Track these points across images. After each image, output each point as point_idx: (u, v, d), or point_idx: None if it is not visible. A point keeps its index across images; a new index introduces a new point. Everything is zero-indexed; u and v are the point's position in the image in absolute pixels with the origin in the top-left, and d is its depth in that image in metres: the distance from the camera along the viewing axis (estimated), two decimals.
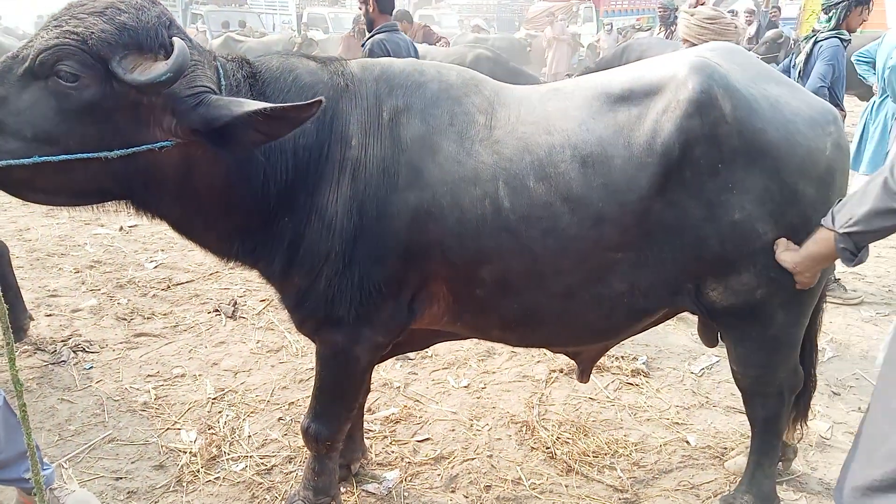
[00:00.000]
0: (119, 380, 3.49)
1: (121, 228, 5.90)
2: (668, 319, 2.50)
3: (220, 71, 1.85)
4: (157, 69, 1.60)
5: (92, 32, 1.60)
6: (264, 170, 1.94)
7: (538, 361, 3.78)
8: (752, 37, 11.60)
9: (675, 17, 12.22)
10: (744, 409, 2.56)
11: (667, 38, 11.51)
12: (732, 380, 3.31)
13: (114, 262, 5.10)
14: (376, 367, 2.60)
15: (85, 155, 1.64)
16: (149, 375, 3.54)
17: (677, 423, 3.24)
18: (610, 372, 3.66)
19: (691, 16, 4.24)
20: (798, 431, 2.75)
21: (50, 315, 4.16)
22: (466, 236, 2.04)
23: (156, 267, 5.06)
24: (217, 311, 4.30)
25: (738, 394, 2.70)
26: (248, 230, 2.04)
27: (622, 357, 3.77)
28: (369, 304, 2.11)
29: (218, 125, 1.68)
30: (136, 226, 5.99)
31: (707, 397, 3.46)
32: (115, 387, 3.42)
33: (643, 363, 3.73)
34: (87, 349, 3.75)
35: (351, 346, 2.22)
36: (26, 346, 3.74)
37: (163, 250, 5.43)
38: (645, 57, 9.11)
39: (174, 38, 1.70)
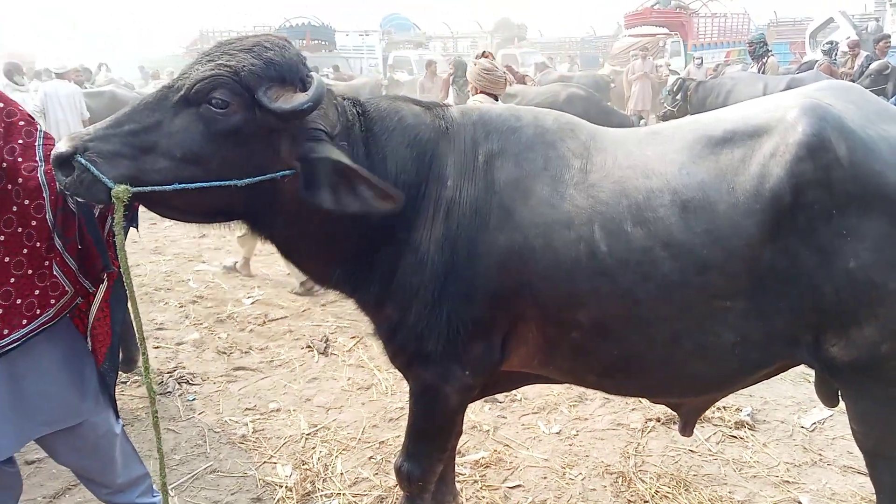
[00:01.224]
0: (219, 412, 3.63)
1: (222, 266, 6.22)
2: (782, 372, 2.35)
3: (339, 108, 1.99)
4: (299, 99, 1.78)
5: (243, 66, 1.78)
6: None
7: (633, 409, 3.64)
8: (856, 70, 11.01)
9: (766, 51, 11.90)
10: (865, 469, 2.35)
11: (759, 72, 11.17)
12: (848, 436, 3.08)
13: (214, 297, 5.37)
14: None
15: (217, 183, 1.80)
16: (247, 409, 3.67)
17: (787, 481, 3.01)
18: (711, 423, 3.47)
19: (475, 65, 4.52)
20: None
21: (157, 347, 4.41)
22: (559, 279, 2.02)
23: (253, 303, 5.28)
24: (310, 347, 4.42)
25: (857, 452, 2.49)
26: (348, 259, 2.12)
27: (724, 407, 3.57)
28: (458, 342, 2.12)
29: (312, 157, 1.84)
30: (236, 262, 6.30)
31: (820, 454, 3.21)
32: (216, 419, 3.56)
33: (748, 415, 3.51)
34: (190, 381, 3.94)
35: (440, 383, 2.23)
36: (136, 377, 3.97)
37: (259, 287, 5.68)
38: (736, 91, 8.80)
39: (311, 74, 1.88)
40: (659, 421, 3.49)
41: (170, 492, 2.89)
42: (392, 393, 3.85)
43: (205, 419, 3.56)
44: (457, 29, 34.54)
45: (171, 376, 3.95)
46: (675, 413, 2.99)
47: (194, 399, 3.77)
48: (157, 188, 1.76)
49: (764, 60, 11.70)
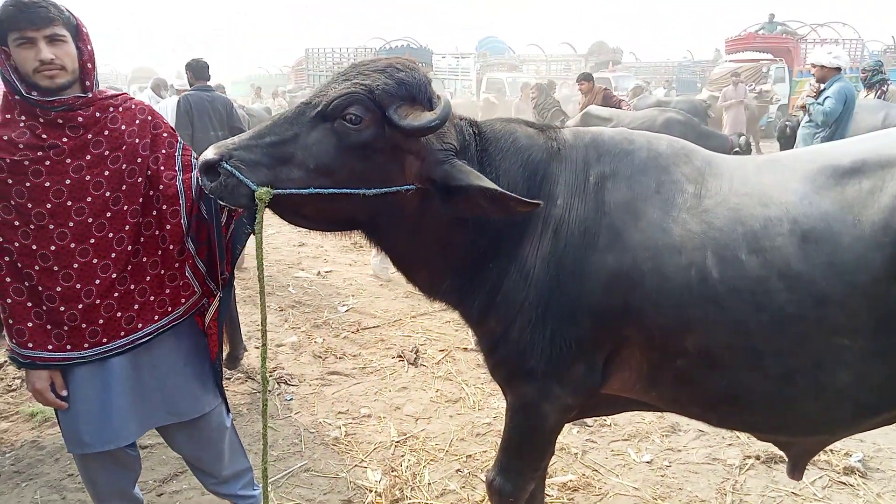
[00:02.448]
0: (314, 413, 3.78)
1: (318, 273, 6.49)
2: None
3: (457, 128, 2.08)
4: (427, 117, 1.87)
5: (377, 85, 1.90)
6: (482, 219, 2.07)
7: (730, 445, 3.49)
8: None
9: (883, 79, 11.17)
10: None
11: (877, 97, 10.51)
12: None
13: (312, 303, 5.60)
14: None
15: (349, 191, 1.93)
16: (339, 412, 3.80)
17: None
18: (817, 466, 3.28)
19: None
20: None
21: (258, 347, 4.64)
22: (667, 304, 1.98)
23: (347, 311, 5.47)
24: (400, 356, 4.53)
25: None
26: (457, 271, 2.18)
27: (833, 451, 3.36)
28: (560, 360, 2.12)
29: (453, 185, 1.89)
30: (330, 271, 6.56)
31: None
32: (311, 420, 3.71)
33: (858, 460, 3.29)
34: (288, 382, 4.13)
35: (540, 401, 2.23)
36: (239, 374, 4.20)
37: (353, 296, 5.88)
38: (857, 119, 8.22)
39: (438, 94, 1.99)
40: (759, 459, 3.33)
41: (270, 487, 3.04)
42: (479, 408, 3.87)
43: (301, 419, 3.72)
44: (550, 52, 34.51)
45: (270, 375, 4.15)
46: (776, 451, 2.87)
47: (291, 399, 3.94)
48: (294, 191, 1.90)
49: (884, 88, 10.98)
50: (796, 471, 2.44)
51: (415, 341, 4.82)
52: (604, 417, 3.73)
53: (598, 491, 3.11)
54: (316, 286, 6.14)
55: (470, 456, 3.38)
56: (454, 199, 1.93)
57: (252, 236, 2.22)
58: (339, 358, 4.52)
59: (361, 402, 3.94)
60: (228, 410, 2.63)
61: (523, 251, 2.13)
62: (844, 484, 3.16)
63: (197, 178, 2.30)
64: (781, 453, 2.54)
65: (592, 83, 10.70)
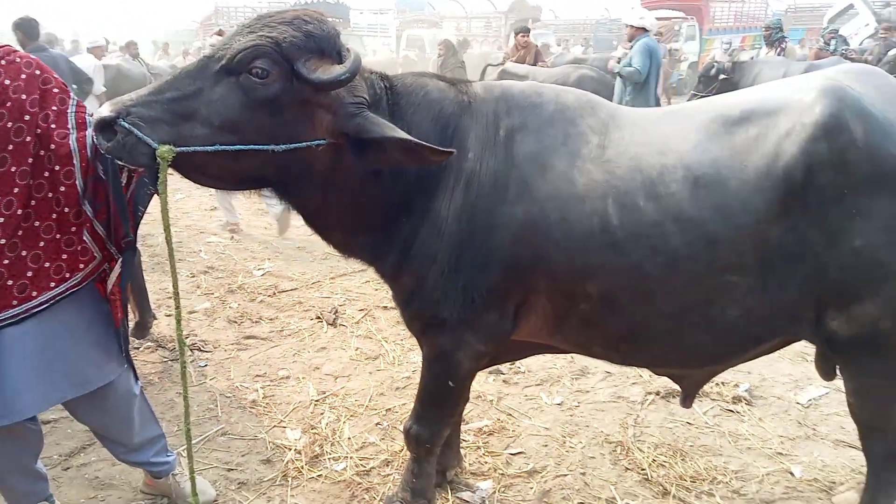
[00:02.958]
0: (230, 378, 3.74)
1: (231, 238, 6.33)
2: (783, 347, 2.42)
3: (367, 82, 2.06)
4: (337, 70, 1.85)
5: (284, 37, 1.85)
6: (393, 173, 2.08)
7: (633, 383, 3.72)
8: (874, 57, 10.93)
9: (782, 37, 11.79)
10: (855, 442, 2.44)
11: (778, 55, 11.06)
12: (842, 412, 3.17)
13: (225, 268, 5.47)
14: None
15: (258, 147, 1.88)
16: (257, 375, 3.78)
17: (781, 453, 3.10)
18: (709, 397, 3.55)
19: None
20: None
21: (169, 315, 4.52)
22: (572, 251, 2.08)
23: (263, 274, 5.39)
24: (319, 318, 4.52)
25: (850, 427, 2.58)
26: (371, 228, 2.20)
27: (723, 383, 3.64)
28: (473, 310, 2.19)
29: (366, 137, 1.89)
30: (244, 236, 6.42)
31: (814, 429, 3.29)
32: (227, 384, 3.67)
33: (745, 390, 3.59)
34: (202, 348, 4.05)
35: (454, 350, 2.30)
36: (149, 343, 4.08)
37: (269, 259, 5.78)
38: (762, 75, 8.77)
39: (348, 47, 1.96)
40: (658, 394, 3.57)
41: (182, 453, 3.00)
42: (399, 363, 3.94)
43: (216, 385, 3.67)
44: (471, 9, 34.18)
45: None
46: (674, 387, 3.08)
47: (206, 365, 3.88)
48: (199, 149, 1.83)
49: (782, 46, 11.59)
50: (688, 400, 2.65)
51: (334, 302, 4.81)
52: (518, 365, 3.89)
53: (511, 433, 3.26)
54: (229, 251, 5.99)
55: (389, 409, 3.45)
56: (368, 152, 1.92)
57: (155, 197, 2.15)
58: (256, 322, 4.47)
59: (279, 364, 3.93)
60: (137, 378, 2.57)
61: (436, 205, 2.16)
62: (732, 412, 3.45)
63: (92, 137, 2.18)
64: (678, 388, 2.74)
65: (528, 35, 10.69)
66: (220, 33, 6.28)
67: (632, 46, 7.43)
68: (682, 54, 19.30)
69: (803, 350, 3.96)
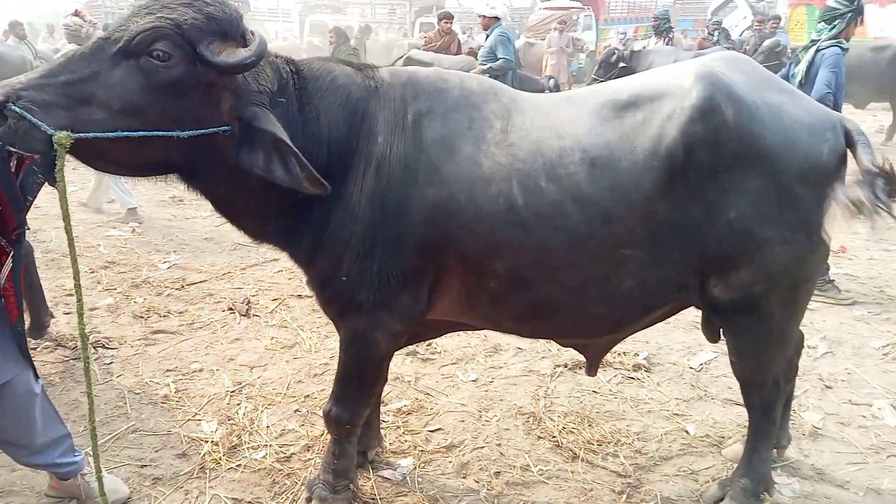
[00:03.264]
0: (139, 374, 3.62)
1: (133, 231, 6.04)
2: (673, 314, 2.63)
3: (273, 66, 2.06)
4: (242, 54, 1.84)
5: (185, 19, 1.81)
6: (304, 158, 2.09)
7: (543, 357, 3.92)
8: (751, 47, 11.86)
9: (669, 27, 12.53)
10: (741, 400, 2.71)
11: (666, 44, 11.73)
12: (729, 374, 3.46)
13: (128, 262, 5.24)
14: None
15: (161, 133, 1.85)
16: (167, 370, 3.68)
17: (677, 414, 3.37)
18: (612, 367, 3.80)
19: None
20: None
21: (68, 313, 4.30)
22: (480, 232, 2.19)
23: (169, 267, 5.20)
24: (231, 309, 4.44)
25: (735, 387, 2.85)
26: (282, 212, 2.21)
27: (624, 353, 3.91)
28: (388, 291, 2.26)
29: (255, 125, 1.91)
30: (146, 228, 6.15)
31: (705, 390, 3.60)
32: (136, 381, 3.55)
33: (644, 359, 3.87)
34: (106, 345, 3.88)
35: (371, 331, 2.36)
36: (47, 343, 3.87)
37: (175, 251, 5.58)
38: (656, 63, 9.35)
39: (252, 30, 1.95)
40: (566, 367, 3.78)
41: (89, 452, 2.89)
42: (316, 350, 3.95)
43: (124, 381, 3.54)
44: None
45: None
46: (580, 359, 3.27)
47: (111, 363, 3.73)
48: (99, 135, 1.77)
49: (670, 36, 12.30)
50: (592, 368, 2.83)
51: (246, 293, 4.73)
52: (434, 345, 3.99)
53: (429, 411, 3.36)
54: (131, 244, 5.73)
55: (308, 396, 3.46)
56: (254, 147, 1.92)
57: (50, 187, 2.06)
58: (164, 316, 4.32)
59: (191, 357, 3.83)
60: (37, 376, 2.46)
61: (348, 189, 2.19)
62: (633, 379, 3.71)
63: None
64: (584, 360, 2.93)
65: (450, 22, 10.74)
66: (77, 14, 5.95)
67: (487, 37, 7.62)
68: (584, 44, 20.03)
69: (694, 320, 4.30)
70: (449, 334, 3.82)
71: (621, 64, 10.00)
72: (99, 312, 4.34)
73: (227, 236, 5.96)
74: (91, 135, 1.80)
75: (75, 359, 3.71)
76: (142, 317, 4.27)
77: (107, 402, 3.32)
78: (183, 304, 4.54)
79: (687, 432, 3.22)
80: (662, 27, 12.40)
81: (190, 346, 3.96)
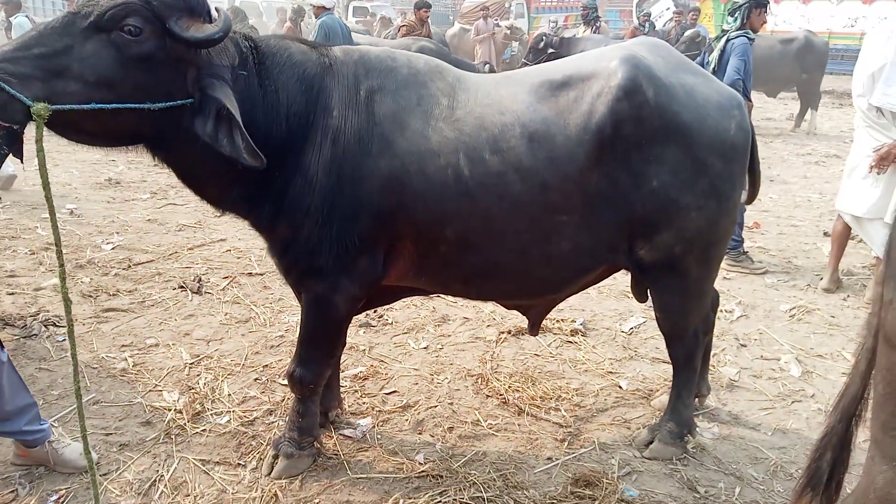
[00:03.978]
0: (94, 350, 3.64)
1: (71, 213, 5.92)
2: (606, 277, 2.92)
3: (233, 42, 2.20)
4: (210, 29, 1.98)
5: None
6: (264, 130, 2.24)
7: (488, 325, 4.18)
8: (673, 37, 12.53)
9: (597, 17, 13.03)
10: (667, 358, 3.04)
11: (594, 33, 12.22)
12: (656, 336, 3.84)
13: (69, 244, 5.15)
14: None
15: (134, 105, 1.95)
16: (123, 345, 3.72)
17: (611, 372, 3.70)
18: (552, 332, 4.10)
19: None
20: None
21: (12, 294, 4.23)
22: (431, 200, 2.39)
23: (113, 248, 5.15)
24: (182, 287, 4.48)
25: (662, 347, 3.18)
26: (244, 182, 2.34)
27: (562, 320, 4.22)
28: (346, 256, 2.44)
29: (208, 92, 2.05)
30: (84, 210, 6.03)
31: (635, 351, 3.95)
32: (91, 356, 3.58)
33: (580, 324, 4.19)
34: (56, 323, 3.87)
35: (331, 294, 2.53)
36: None
37: (118, 233, 5.51)
38: (587, 49, 9.74)
39: (217, 7, 2.09)
40: (510, 333, 4.06)
41: (54, 423, 2.95)
42: (271, 324, 4.07)
43: (80, 358, 3.55)
44: None
45: (35, 319, 3.85)
46: (523, 325, 3.55)
47: (64, 340, 3.73)
48: (76, 107, 1.86)
49: (597, 25, 12.80)
50: (534, 328, 3.10)
51: (195, 272, 4.77)
52: (385, 317, 4.18)
53: (384, 377, 3.56)
54: (70, 226, 5.61)
55: (266, 366, 3.60)
56: (206, 115, 2.06)
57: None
58: (113, 295, 4.32)
59: (146, 333, 3.88)
60: (2, 346, 2.51)
61: (306, 159, 2.35)
62: (571, 342, 4.02)
63: None
64: (526, 327, 3.19)
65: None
66: None
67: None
68: (522, 33, 20.44)
69: (625, 290, 4.66)
70: (399, 305, 4.05)
71: (550, 50, 10.40)
72: (45, 292, 4.29)
73: (171, 218, 5.94)
74: (68, 107, 1.88)
75: (25, 336, 3.70)
76: (90, 296, 4.26)
77: (64, 378, 3.35)
78: (131, 283, 4.54)
79: (620, 387, 3.55)
80: (591, 16, 12.89)
81: (143, 323, 4.00)
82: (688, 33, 11.76)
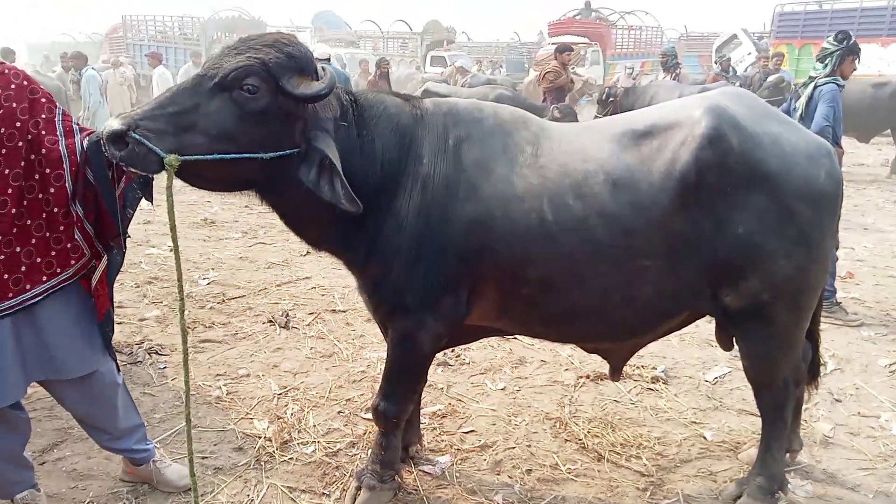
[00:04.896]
0: (191, 378, 3.86)
1: (171, 249, 6.35)
2: (689, 323, 2.89)
3: (336, 96, 2.39)
4: (317, 86, 2.18)
5: (270, 58, 2.15)
6: (360, 177, 2.40)
7: (566, 369, 4.16)
8: (756, 82, 12.31)
9: (676, 63, 12.97)
10: (755, 410, 2.94)
11: (673, 80, 12.16)
12: (743, 387, 3.73)
13: (169, 278, 5.53)
14: None
15: (249, 155, 2.17)
16: (217, 375, 3.95)
17: (694, 422, 3.60)
18: (632, 379, 4.04)
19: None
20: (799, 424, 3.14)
21: (120, 323, 4.57)
22: (514, 242, 2.48)
23: (209, 283, 5.50)
24: (271, 321, 4.71)
25: (749, 398, 3.08)
26: (340, 224, 2.50)
27: (642, 366, 4.15)
28: (432, 295, 2.54)
29: (314, 144, 2.25)
30: (184, 248, 6.46)
31: (721, 401, 3.83)
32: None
33: (662, 371, 4.11)
34: (158, 352, 4.16)
35: (416, 331, 2.63)
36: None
37: (213, 269, 5.88)
38: (658, 97, 9.75)
39: (322, 65, 2.28)
40: (589, 378, 4.02)
41: (157, 445, 3.15)
42: (353, 360, 4.21)
43: (178, 384, 3.81)
44: (387, 29, 34.73)
45: (140, 347, 4.15)
46: (602, 371, 3.54)
47: (165, 367, 4.00)
48: (201, 157, 2.09)
49: (677, 72, 12.75)
50: (615, 373, 3.09)
51: (283, 307, 5.01)
52: (462, 357, 4.25)
53: (462, 415, 3.60)
54: (170, 262, 6.02)
55: (349, 400, 3.72)
56: (310, 164, 2.24)
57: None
58: (209, 327, 4.60)
59: (238, 364, 4.10)
60: (119, 369, 2.73)
61: (398, 203, 2.50)
62: (652, 390, 3.95)
63: (81, 144, 2.38)
64: (606, 373, 3.18)
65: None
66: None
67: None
68: (594, 86, 20.63)
69: (708, 337, 4.55)
70: (476, 346, 4.12)
71: (611, 99, 10.48)
72: (148, 323, 4.62)
73: (260, 256, 6.29)
74: (194, 157, 2.11)
75: (132, 363, 3.99)
76: (188, 327, 4.55)
77: (165, 402, 3.59)
78: (225, 316, 4.82)
79: (704, 438, 3.45)
80: (670, 63, 12.86)
81: (236, 354, 4.23)
82: (771, 79, 11.54)
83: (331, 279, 5.64)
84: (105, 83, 12.71)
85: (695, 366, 4.28)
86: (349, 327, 4.72)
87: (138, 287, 5.31)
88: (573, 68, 17.92)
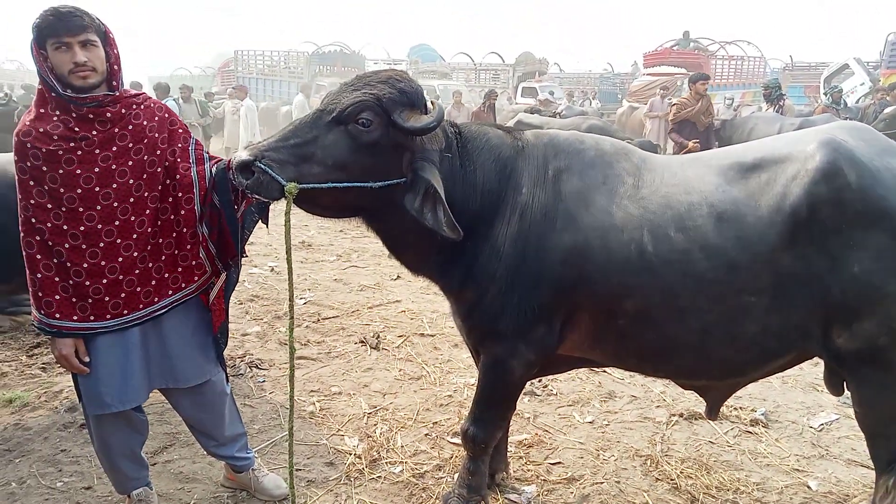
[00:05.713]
0: (287, 393, 4.05)
1: (272, 269, 6.72)
2: (794, 365, 2.75)
3: (442, 129, 2.50)
4: (426, 119, 2.30)
5: (384, 94, 2.30)
6: (460, 205, 2.48)
7: (658, 406, 4.04)
8: (871, 114, 11.60)
9: (780, 94, 12.42)
10: (867, 462, 2.75)
11: (776, 111, 11.67)
12: (853, 436, 3.49)
13: (269, 297, 5.84)
14: None
15: (360, 184, 2.31)
16: (312, 391, 4.11)
17: (797, 469, 3.40)
18: (729, 420, 3.86)
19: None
20: None
21: (232, 337, 4.86)
22: (612, 273, 2.46)
23: (305, 303, 5.75)
24: (363, 342, 4.87)
25: (860, 448, 2.89)
26: (440, 250, 2.58)
27: (741, 407, 3.96)
28: (525, 323, 2.56)
29: (419, 173, 2.34)
30: (282, 268, 6.79)
31: (827, 449, 3.59)
32: (285, 398, 3.95)
33: (762, 414, 3.91)
34: (258, 366, 4.39)
35: (508, 358, 2.66)
36: None
37: (309, 290, 6.15)
38: (756, 129, 9.33)
39: (431, 100, 2.40)
40: (682, 416, 3.88)
41: (255, 455, 3.31)
42: (440, 384, 4.27)
43: (275, 398, 4.00)
44: (479, 61, 35.41)
45: (241, 360, 4.40)
46: (696, 410, 3.42)
47: (264, 381, 4.21)
48: (317, 185, 2.25)
49: (781, 103, 12.21)
50: (713, 412, 2.97)
51: (374, 329, 5.16)
52: (550, 387, 4.21)
53: (549, 446, 3.57)
54: (271, 281, 6.37)
55: (436, 423, 3.77)
56: (415, 192, 2.34)
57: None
58: (304, 345, 4.81)
59: (331, 382, 4.26)
60: (227, 380, 2.92)
61: (495, 231, 2.56)
62: (751, 433, 3.76)
63: (210, 170, 2.60)
64: (701, 411, 3.08)
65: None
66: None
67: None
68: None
69: (814, 381, 4.29)
70: (564, 377, 4.08)
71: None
72: (250, 338, 4.89)
73: (353, 278, 6.52)
74: (311, 186, 2.27)
75: (234, 375, 4.22)
76: (286, 344, 4.76)
77: (263, 414, 3.78)
78: (320, 335, 5.03)
79: (809, 487, 3.24)
80: (773, 95, 12.34)
81: (329, 372, 4.40)
82: (888, 111, 10.81)
83: (419, 304, 5.77)
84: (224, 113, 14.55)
85: (798, 410, 4.04)
86: (437, 351, 4.80)
87: (241, 304, 5.64)
88: (669, 98, 17.61)
